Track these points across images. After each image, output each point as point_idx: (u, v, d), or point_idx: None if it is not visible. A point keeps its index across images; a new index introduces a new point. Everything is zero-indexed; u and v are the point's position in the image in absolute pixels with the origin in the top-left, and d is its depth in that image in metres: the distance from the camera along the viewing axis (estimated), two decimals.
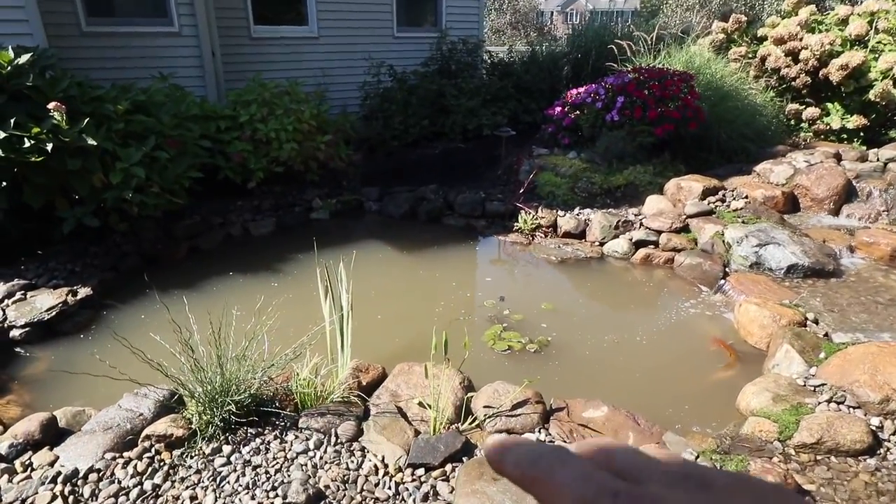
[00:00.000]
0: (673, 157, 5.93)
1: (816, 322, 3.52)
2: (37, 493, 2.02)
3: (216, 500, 2.04)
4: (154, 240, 4.50)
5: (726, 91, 6.38)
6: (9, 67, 3.60)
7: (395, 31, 8.06)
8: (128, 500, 2.03)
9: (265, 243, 5.01)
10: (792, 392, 2.86)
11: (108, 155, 3.95)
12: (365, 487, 2.16)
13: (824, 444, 2.50)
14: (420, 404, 2.67)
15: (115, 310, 3.71)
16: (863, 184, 5.36)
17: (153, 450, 2.27)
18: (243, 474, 2.17)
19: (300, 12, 7.23)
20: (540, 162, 5.95)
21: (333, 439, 2.39)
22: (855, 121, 6.60)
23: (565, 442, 2.50)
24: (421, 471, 2.26)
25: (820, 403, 2.76)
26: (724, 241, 4.53)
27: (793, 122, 7.06)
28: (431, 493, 2.16)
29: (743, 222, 4.74)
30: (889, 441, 2.54)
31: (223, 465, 2.21)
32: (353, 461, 2.28)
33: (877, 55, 6.57)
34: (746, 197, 5.20)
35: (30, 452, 2.24)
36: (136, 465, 2.18)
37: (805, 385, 2.93)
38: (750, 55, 7.35)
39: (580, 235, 5.06)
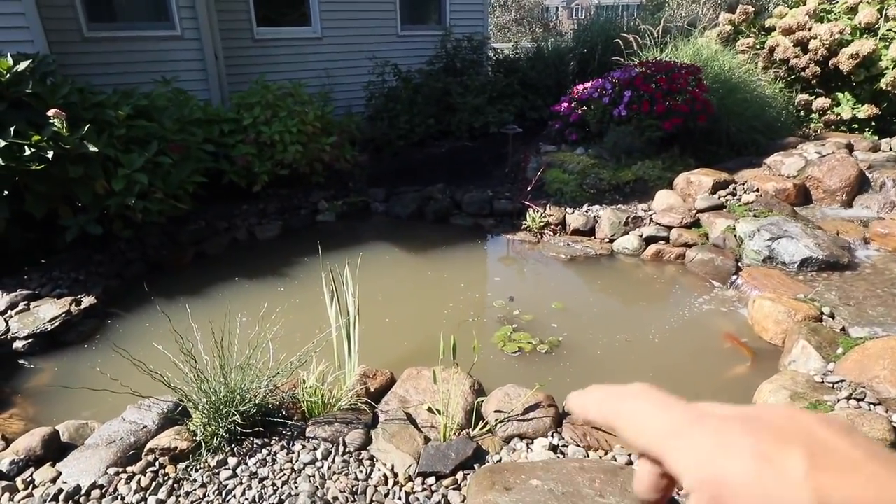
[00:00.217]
0: (682, 151, 5.83)
1: (832, 316, 3.44)
2: None
3: None
4: (159, 246, 4.47)
5: (735, 83, 6.28)
6: (8, 75, 3.57)
7: (399, 30, 8.00)
8: None
9: (271, 247, 4.97)
10: (810, 389, 2.78)
11: (110, 161, 3.91)
12: (374, 498, 2.10)
13: None
14: (429, 410, 2.61)
15: (120, 318, 3.67)
16: (876, 174, 5.26)
17: (157, 463, 2.22)
18: (249, 487, 2.12)
19: (303, 13, 7.18)
20: (547, 159, 5.87)
21: (341, 448, 2.33)
22: (866, 110, 6.48)
23: (578, 447, 2.44)
24: (431, 479, 2.20)
25: (839, 400, 2.68)
26: (735, 236, 4.44)
27: (802, 113, 6.94)
28: (443, 502, 2.10)
29: (754, 216, 4.64)
30: None
31: (229, 479, 2.16)
32: (361, 471, 2.22)
33: (887, 43, 6.43)
34: (757, 190, 5.10)
35: (32, 469, 2.20)
36: (139, 479, 2.13)
37: (823, 382, 2.84)
38: (758, 46, 7.23)
39: (589, 232, 4.98)
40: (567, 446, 2.44)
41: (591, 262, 4.62)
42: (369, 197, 5.84)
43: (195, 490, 2.11)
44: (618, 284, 4.39)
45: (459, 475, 2.22)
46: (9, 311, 3.41)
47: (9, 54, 3.78)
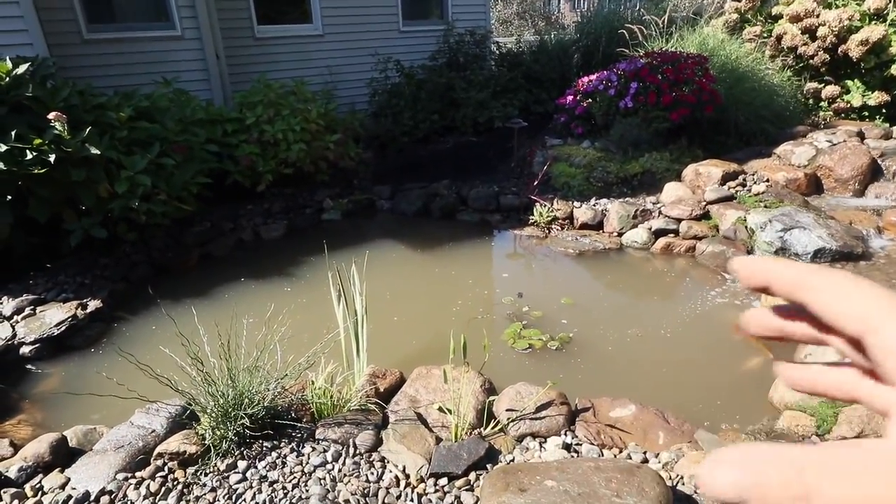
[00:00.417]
0: (690, 142, 5.76)
1: None
2: None
3: None
4: (164, 248, 4.44)
5: (742, 72, 6.19)
6: (7, 78, 3.54)
7: (401, 26, 7.94)
8: None
9: (277, 247, 4.94)
10: None
11: (112, 164, 3.89)
12: (386, 500, 2.07)
13: (866, 437, 2.37)
14: (440, 409, 2.57)
15: (127, 322, 3.65)
16: (888, 162, 5.18)
17: (166, 468, 2.19)
18: (259, 491, 2.08)
19: (304, 10, 7.14)
20: (553, 153, 5.81)
21: (352, 450, 2.30)
22: (876, 97, 6.38)
23: (592, 445, 2.39)
24: (444, 480, 2.17)
25: None
26: (746, 227, 4.37)
27: (811, 101, 6.84)
28: (456, 503, 2.06)
29: (765, 207, 4.57)
30: None
31: (239, 482, 2.12)
32: (372, 473, 2.18)
33: None
34: (768, 180, 5.03)
35: (40, 475, 2.17)
36: (148, 485, 2.10)
37: None
38: (765, 34, 7.13)
39: (597, 226, 4.92)
40: (581, 445, 2.40)
41: (600, 256, 4.57)
42: (374, 195, 5.80)
43: (205, 494, 2.08)
44: (628, 279, 4.34)
45: (472, 476, 2.18)
46: (15, 317, 3.39)
47: (8, 58, 3.75)
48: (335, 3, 7.24)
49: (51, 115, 3.51)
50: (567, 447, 2.37)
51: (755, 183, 5.01)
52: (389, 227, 5.39)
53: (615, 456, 2.35)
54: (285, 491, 2.09)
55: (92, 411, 2.77)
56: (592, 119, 6.09)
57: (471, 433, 2.45)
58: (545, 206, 5.05)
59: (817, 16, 6.62)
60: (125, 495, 2.07)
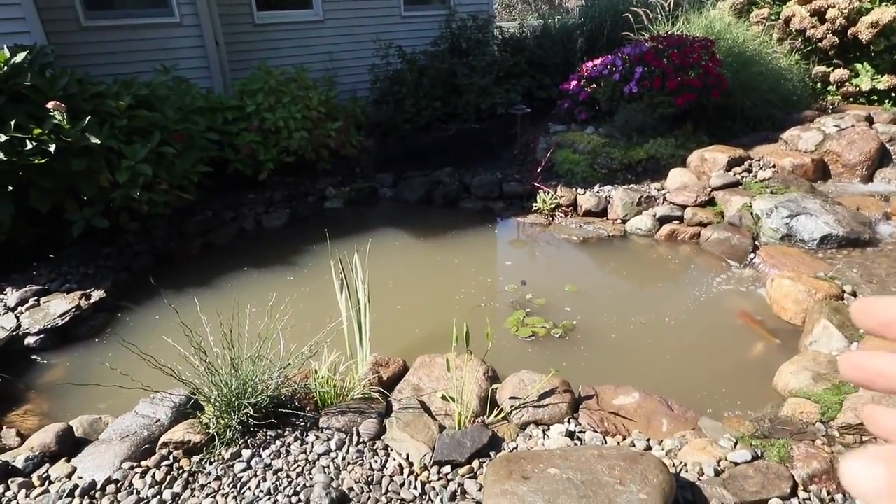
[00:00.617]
0: (695, 127, 5.70)
1: (854, 294, 3.36)
2: None
3: None
4: (166, 237, 4.44)
5: (749, 56, 6.10)
6: (5, 67, 3.51)
7: (403, 11, 7.85)
8: None
9: (279, 236, 4.93)
10: (833, 370, 2.71)
11: (113, 153, 3.87)
12: (390, 488, 2.07)
13: None
14: (443, 398, 2.57)
15: (130, 312, 3.65)
16: None
17: (171, 457, 2.20)
18: (264, 479, 2.09)
19: None
20: (557, 139, 5.76)
21: (355, 438, 2.30)
22: (886, 81, 6.28)
23: (596, 432, 2.39)
24: (447, 468, 2.17)
25: None
26: (752, 214, 4.34)
27: (819, 85, 6.75)
28: (459, 491, 2.07)
29: (771, 193, 4.53)
30: None
31: (243, 471, 2.13)
32: (376, 461, 2.19)
33: None
34: (774, 166, 4.98)
35: (47, 465, 2.19)
36: (154, 474, 2.11)
37: None
38: (773, 17, 7.02)
39: (601, 213, 4.89)
40: (584, 432, 2.40)
41: (604, 243, 4.54)
42: (377, 182, 5.77)
43: (210, 483, 2.09)
44: (631, 266, 4.32)
45: (475, 463, 2.19)
46: (19, 307, 3.40)
47: (5, 46, 3.72)
48: None
49: (50, 105, 3.48)
50: (570, 435, 2.37)
51: (761, 169, 4.96)
52: (392, 215, 5.38)
53: (618, 444, 2.34)
54: (289, 479, 2.10)
55: (98, 401, 2.78)
56: (596, 104, 6.03)
57: (474, 421, 2.45)
58: (548, 193, 5.01)
59: None
60: (131, 484, 2.08)
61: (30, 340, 3.22)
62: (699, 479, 2.08)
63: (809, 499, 1.99)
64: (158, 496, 2.02)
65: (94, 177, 3.75)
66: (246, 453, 2.21)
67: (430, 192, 5.49)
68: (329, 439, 2.28)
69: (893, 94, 6.38)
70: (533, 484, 1.88)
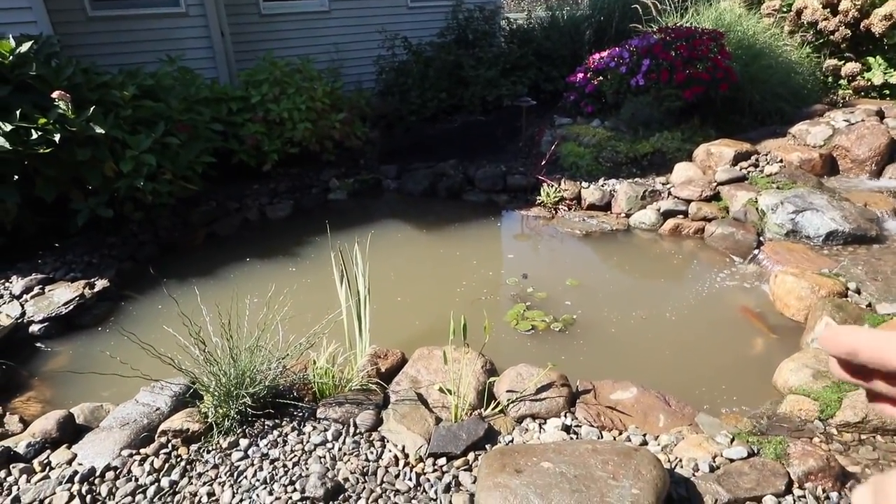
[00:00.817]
0: (702, 121, 5.64)
1: (858, 292, 3.33)
2: (54, 493, 1.99)
3: (234, 496, 1.99)
4: (171, 227, 4.47)
5: (759, 49, 6.02)
6: (11, 57, 3.53)
7: (410, 2, 7.80)
8: (145, 497, 2.00)
9: (282, 227, 4.95)
10: None
11: (117, 143, 3.89)
12: (385, 479, 2.09)
13: (869, 422, 2.36)
14: (441, 390, 2.58)
15: (134, 301, 3.69)
16: None
17: (170, 445, 2.23)
18: (261, 468, 2.11)
19: None
20: (562, 132, 5.73)
21: (352, 429, 2.32)
22: None
23: (592, 426, 2.39)
24: (442, 460, 2.18)
25: None
26: (757, 209, 4.30)
27: (830, 79, 6.66)
28: (453, 483, 2.08)
29: (778, 188, 4.49)
30: None
31: (240, 460, 2.16)
32: (372, 452, 2.20)
33: None
34: (781, 161, 4.93)
35: (48, 451, 2.22)
36: (152, 461, 2.14)
37: None
38: (784, 9, 6.92)
39: (605, 207, 4.87)
40: (580, 426, 2.40)
41: (607, 237, 4.52)
42: (381, 174, 5.77)
43: (207, 471, 2.12)
44: (634, 260, 4.30)
45: (471, 456, 2.19)
46: (24, 296, 3.44)
47: (11, 36, 3.74)
48: None
49: (54, 94, 3.50)
50: (566, 429, 2.37)
51: (768, 163, 4.91)
52: (395, 206, 5.38)
53: (615, 438, 2.34)
54: (286, 469, 2.12)
55: (102, 388, 2.81)
56: (603, 97, 5.99)
57: (471, 414, 2.46)
58: (552, 186, 4.99)
59: None
60: (129, 471, 2.11)
61: (34, 328, 3.26)
62: (694, 475, 2.08)
63: (804, 496, 1.98)
64: (156, 483, 2.05)
65: (98, 166, 3.77)
66: (243, 442, 2.23)
67: (433, 184, 5.48)
68: (326, 430, 2.30)
69: None
70: (526, 477, 1.88)
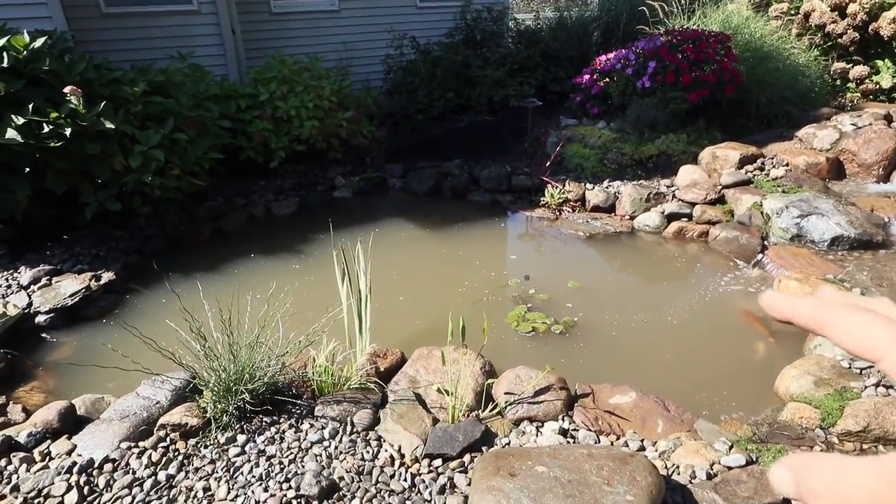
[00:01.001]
0: (708, 124, 5.62)
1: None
2: (53, 483, 2.02)
3: (229, 492, 2.02)
4: (177, 222, 4.51)
5: (766, 51, 5.98)
6: (25, 52, 3.58)
7: (418, 2, 7.81)
8: (142, 490, 2.02)
9: (288, 223, 4.98)
10: (836, 375, 2.68)
11: (127, 138, 3.93)
12: (380, 479, 2.10)
13: (871, 432, 2.34)
14: (439, 391, 2.59)
15: (139, 294, 3.73)
16: None
17: (168, 439, 2.25)
18: (257, 465, 2.14)
19: None
20: (567, 133, 5.72)
21: (349, 428, 2.33)
22: None
23: (590, 431, 2.40)
24: (438, 461, 2.19)
25: (867, 388, 2.58)
26: (762, 213, 4.28)
27: (838, 82, 6.61)
28: (448, 485, 2.09)
29: (783, 192, 4.46)
30: None
31: (237, 456, 2.18)
32: (368, 451, 2.22)
33: None
34: (787, 164, 4.90)
35: (48, 441, 2.25)
36: (150, 454, 2.17)
37: (850, 367, 2.74)
38: (792, 12, 6.88)
39: (609, 209, 4.86)
40: (578, 430, 2.40)
41: (611, 239, 4.52)
42: (386, 173, 5.79)
43: (204, 466, 2.14)
44: (637, 263, 4.29)
45: (467, 458, 2.20)
46: (31, 286, 3.49)
47: (25, 31, 3.78)
48: None
49: (66, 89, 3.55)
50: (564, 432, 2.38)
51: (774, 167, 4.89)
52: (400, 205, 5.39)
53: (612, 443, 2.35)
54: (282, 466, 2.14)
55: (106, 380, 2.84)
56: (609, 99, 5.97)
57: (468, 415, 2.47)
58: (557, 187, 4.99)
59: None
60: (127, 464, 2.14)
61: (40, 319, 3.31)
62: (691, 482, 2.08)
63: None
64: (153, 476, 2.08)
65: (108, 161, 3.82)
66: (241, 438, 2.26)
67: (438, 183, 5.49)
68: (323, 428, 2.32)
69: None
70: (520, 481, 1.89)
